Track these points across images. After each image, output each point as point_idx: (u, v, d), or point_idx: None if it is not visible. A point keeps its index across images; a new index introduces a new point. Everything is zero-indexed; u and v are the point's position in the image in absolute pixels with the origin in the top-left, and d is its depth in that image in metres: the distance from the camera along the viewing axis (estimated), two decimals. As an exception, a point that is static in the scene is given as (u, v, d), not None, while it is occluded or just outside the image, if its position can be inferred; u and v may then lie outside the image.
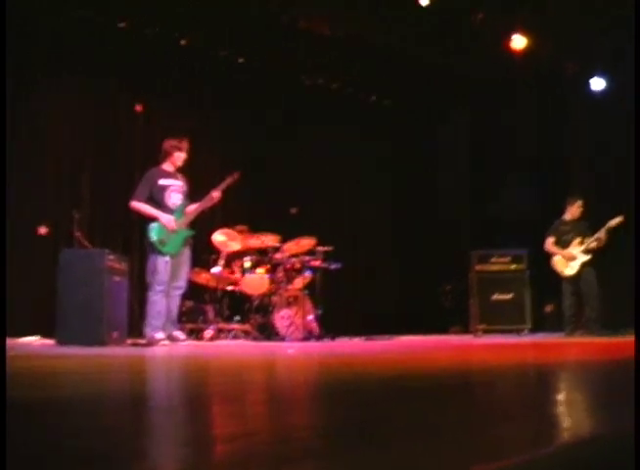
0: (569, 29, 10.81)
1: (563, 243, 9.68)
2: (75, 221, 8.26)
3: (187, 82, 10.77)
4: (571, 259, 9.54)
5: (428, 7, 9.69)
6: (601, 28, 10.69)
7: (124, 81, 10.23)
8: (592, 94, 11.99)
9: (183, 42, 10.52)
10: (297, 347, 7.48)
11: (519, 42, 10.69)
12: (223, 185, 7.80)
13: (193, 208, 7.74)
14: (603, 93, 11.96)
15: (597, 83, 11.84)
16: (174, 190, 7.64)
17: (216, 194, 7.73)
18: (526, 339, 9.47)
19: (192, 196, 7.88)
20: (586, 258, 9.48)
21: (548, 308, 11.66)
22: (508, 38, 10.65)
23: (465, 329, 11.70)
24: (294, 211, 9.49)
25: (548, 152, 12.60)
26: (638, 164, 9.85)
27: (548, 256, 9.82)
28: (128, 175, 10.02)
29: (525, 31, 10.63)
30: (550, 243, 9.75)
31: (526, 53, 10.92)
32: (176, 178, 7.74)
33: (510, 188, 12.78)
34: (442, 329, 11.98)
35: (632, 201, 10.56)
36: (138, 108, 10.10)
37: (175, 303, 7.60)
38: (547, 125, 12.54)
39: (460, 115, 13.42)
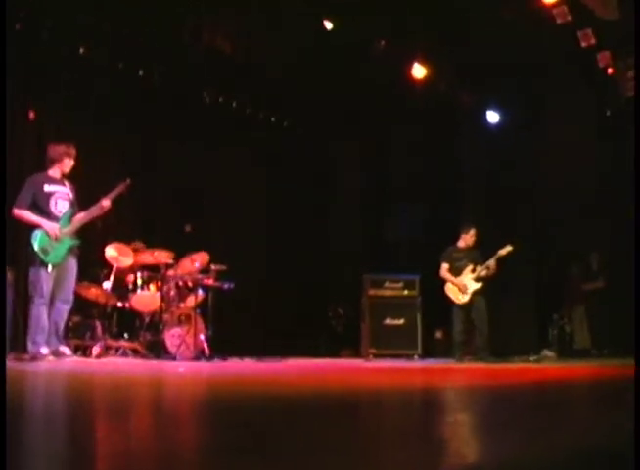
0: (467, 61, 11.07)
1: (456, 270, 9.86)
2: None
3: (83, 93, 10.45)
4: (463, 288, 9.72)
5: (332, 31, 9.79)
6: (498, 63, 11.00)
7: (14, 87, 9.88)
8: (486, 126, 12.32)
9: (81, 51, 10.22)
10: (187, 366, 7.32)
11: (418, 71, 10.89)
12: (113, 193, 7.56)
13: (80, 216, 7.48)
14: (497, 125, 12.31)
15: (492, 116, 12.18)
16: (60, 197, 7.38)
17: (106, 202, 7.48)
18: (416, 364, 9.55)
19: (80, 204, 7.63)
20: (477, 286, 9.68)
21: (438, 334, 11.83)
22: (409, 67, 10.84)
23: (356, 353, 11.74)
24: (188, 228, 9.32)
25: (441, 179, 12.85)
26: (638, 174, 10.06)
27: (440, 282, 9.97)
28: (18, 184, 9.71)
29: (424, 61, 10.85)
30: (444, 269, 9.91)
31: (425, 82, 11.16)
32: (63, 185, 7.48)
33: (402, 215, 12.98)
34: (334, 352, 11.99)
35: (529, 229, 10.91)
36: (31, 115, 9.83)
37: (61, 316, 7.31)
38: (440, 154, 12.81)
39: (354, 140, 13.52)
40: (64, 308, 7.33)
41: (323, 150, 13.58)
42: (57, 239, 7.16)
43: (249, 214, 12.38)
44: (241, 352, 9.56)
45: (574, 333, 11.83)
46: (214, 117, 11.78)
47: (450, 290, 9.82)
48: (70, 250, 7.35)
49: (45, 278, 7.04)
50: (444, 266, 9.92)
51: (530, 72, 11.06)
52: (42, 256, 7.05)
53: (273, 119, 12.72)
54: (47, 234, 7.12)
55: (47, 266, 7.07)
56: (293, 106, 12.47)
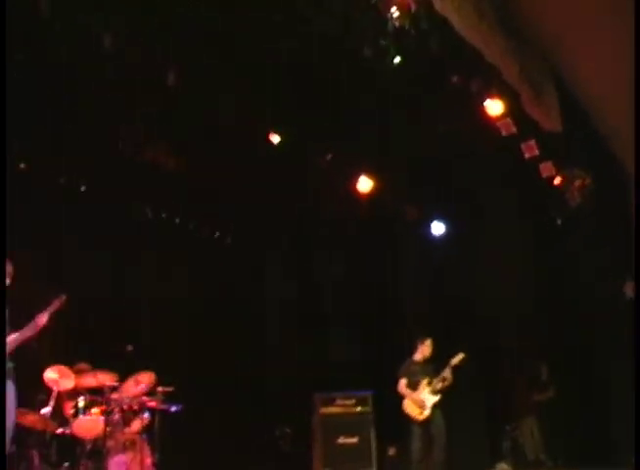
0: (411, 174, 11.18)
1: (412, 384, 9.67)
2: None
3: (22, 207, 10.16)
4: (421, 404, 9.51)
5: (278, 144, 9.80)
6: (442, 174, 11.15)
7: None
8: (431, 237, 12.37)
9: (22, 166, 9.99)
10: None
11: (364, 185, 10.92)
12: (49, 309, 7.11)
13: (14, 336, 7.02)
14: (442, 237, 12.37)
15: (437, 227, 12.23)
16: None
17: (41, 319, 6.99)
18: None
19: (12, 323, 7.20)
20: (435, 399, 9.50)
21: (391, 452, 11.49)
22: (354, 180, 10.88)
23: (307, 473, 11.32)
24: (130, 348, 8.97)
25: (385, 292, 12.79)
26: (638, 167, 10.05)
27: (390, 397, 9.75)
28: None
29: (370, 174, 10.91)
30: (402, 385, 9.71)
31: (371, 196, 11.19)
32: None
33: (346, 333, 12.84)
34: (285, 473, 11.54)
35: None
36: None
37: (-1, 447, 6.77)
38: (384, 265, 12.78)
39: (289, 258, 13.45)
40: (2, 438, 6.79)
41: (259, 264, 13.47)
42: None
43: (189, 332, 12.04)
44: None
45: (525, 444, 11.64)
46: (151, 230, 11.59)
47: (409, 406, 9.58)
48: (8, 373, 6.86)
49: None
50: (402, 382, 9.72)
51: (473, 182, 11.22)
52: None
53: (216, 235, 12.57)
54: None
55: None
56: (232, 219, 12.37)
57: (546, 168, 9.97)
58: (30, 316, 7.12)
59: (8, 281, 7.05)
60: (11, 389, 6.87)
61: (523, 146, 9.82)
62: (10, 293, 7.21)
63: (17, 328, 7.01)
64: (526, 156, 9.92)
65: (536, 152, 9.86)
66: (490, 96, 9.18)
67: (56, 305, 7.15)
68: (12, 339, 6.91)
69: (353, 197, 11.04)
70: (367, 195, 11.09)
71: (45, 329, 7.16)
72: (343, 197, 11.14)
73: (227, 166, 10.55)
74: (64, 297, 7.21)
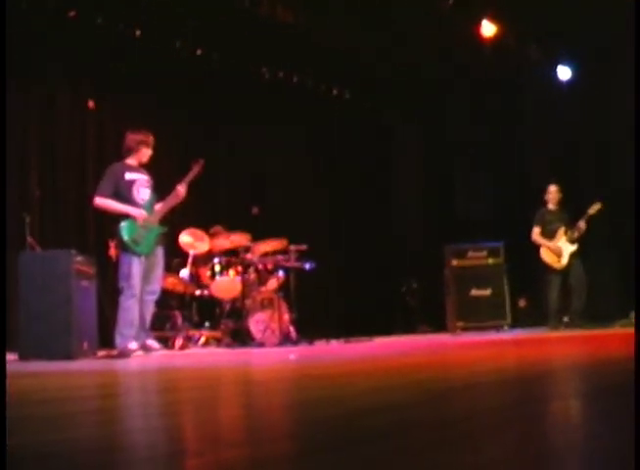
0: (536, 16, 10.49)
1: (548, 232, 9.40)
2: (27, 225, 7.58)
3: (141, 76, 10.09)
4: (557, 251, 9.25)
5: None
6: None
7: (74, 74, 9.57)
8: (556, 82, 11.74)
9: (137, 33, 9.82)
10: (294, 352, 6.91)
11: (488, 29, 10.35)
12: (188, 177, 7.19)
13: (159, 205, 7.13)
14: (567, 82, 11.72)
15: (563, 72, 11.58)
16: (142, 185, 7.03)
17: (182, 188, 7.12)
18: (509, 335, 9.09)
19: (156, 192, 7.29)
20: (573, 248, 9.23)
21: (521, 303, 11.36)
22: (478, 25, 10.31)
23: (433, 328, 11.34)
24: (255, 210, 8.92)
25: (507, 142, 12.35)
26: (638, 158, 9.57)
27: (533, 246, 9.50)
28: (80, 174, 9.42)
29: (494, 19, 10.31)
30: (537, 233, 9.44)
31: (493, 40, 10.61)
32: (142, 173, 7.14)
33: (470, 185, 12.54)
34: (410, 329, 11.61)
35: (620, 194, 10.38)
36: (90, 104, 9.53)
37: (149, 309, 6.97)
38: (503, 117, 12.29)
39: (412, 112, 13.10)
40: (151, 300, 6.99)
41: (383, 121, 13.19)
42: (146, 225, 6.81)
43: (313, 191, 12.03)
44: (323, 334, 9.21)
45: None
46: (275, 93, 11.37)
47: (546, 255, 9.34)
48: (159, 238, 7.01)
49: (137, 269, 6.70)
50: (536, 230, 9.43)
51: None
52: (133, 246, 6.70)
53: (335, 93, 12.26)
54: (135, 223, 6.77)
55: (139, 257, 6.71)
56: (352, 77, 11.99)
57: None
58: (171, 186, 7.20)
59: (149, 152, 7.12)
60: (161, 254, 7.04)
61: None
62: (153, 163, 7.31)
63: (161, 198, 7.11)
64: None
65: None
66: None
67: (194, 171, 7.17)
68: (158, 208, 7.01)
69: (477, 42, 10.42)
70: (491, 40, 10.46)
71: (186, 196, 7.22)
72: (467, 42, 10.54)
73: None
74: (201, 162, 7.19)
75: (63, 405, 2.82)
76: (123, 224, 6.74)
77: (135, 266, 6.69)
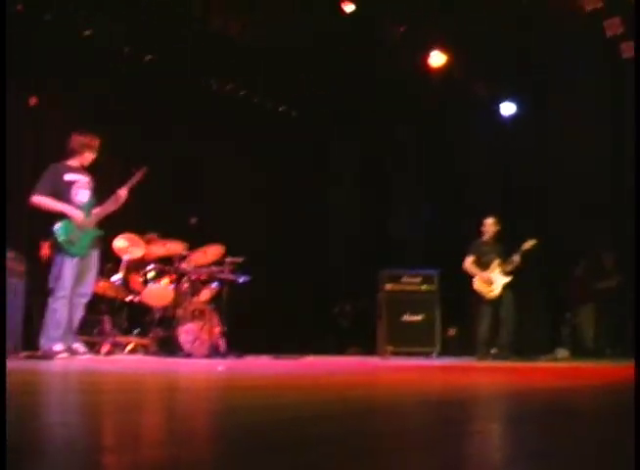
0: (483, 51, 10.71)
1: (482, 264, 9.53)
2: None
3: (87, 76, 9.96)
4: (489, 282, 9.39)
5: (351, 14, 9.39)
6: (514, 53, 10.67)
7: (15, 71, 9.40)
8: (500, 117, 11.98)
9: (87, 33, 9.72)
10: (203, 363, 6.88)
11: (437, 59, 10.51)
12: (130, 183, 7.16)
13: (98, 209, 7.05)
14: (512, 117, 11.97)
15: (507, 108, 11.82)
16: (81, 186, 6.95)
17: (123, 193, 7.09)
18: (437, 362, 9.16)
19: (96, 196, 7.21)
20: (507, 279, 9.36)
21: (451, 332, 11.48)
22: (426, 54, 10.46)
23: (363, 350, 11.38)
24: (193, 220, 8.87)
25: (447, 173, 12.53)
26: (639, 164, 9.76)
27: (466, 276, 9.63)
28: (16, 172, 9.24)
29: (443, 49, 10.48)
30: (469, 262, 9.56)
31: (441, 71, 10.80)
32: (83, 174, 7.05)
33: (409, 210, 12.69)
34: (340, 350, 11.63)
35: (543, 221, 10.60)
36: (32, 101, 9.38)
37: (78, 311, 6.87)
38: (454, 147, 12.48)
39: (353, 133, 13.20)
40: (81, 303, 6.89)
41: (324, 140, 13.25)
42: (82, 227, 6.71)
43: (251, 205, 11.99)
44: (253, 348, 9.16)
45: (584, 331, 11.54)
46: (220, 104, 11.35)
47: (479, 284, 9.46)
48: (94, 241, 6.93)
49: (69, 271, 6.62)
50: (469, 259, 9.55)
51: (547, 62, 10.74)
52: (67, 247, 6.61)
53: (280, 109, 12.30)
54: (71, 224, 6.68)
55: (72, 259, 6.62)
56: (301, 95, 12.04)
57: (628, 48, 9.44)
58: (111, 190, 7.14)
59: (92, 156, 7.06)
60: (96, 257, 6.96)
61: (605, 23, 9.31)
62: (94, 166, 7.24)
63: (100, 202, 7.04)
64: (608, 34, 9.42)
65: (620, 30, 9.34)
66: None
67: (137, 177, 7.12)
68: (96, 211, 6.94)
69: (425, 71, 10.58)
70: (439, 70, 10.63)
71: (125, 201, 7.17)
72: (416, 71, 10.69)
73: (295, 37, 10.18)
74: (144, 169, 7.15)
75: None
76: (59, 224, 6.65)
77: (67, 268, 6.60)
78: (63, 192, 6.81)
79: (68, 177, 6.89)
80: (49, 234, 6.76)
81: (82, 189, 6.95)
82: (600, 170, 11.11)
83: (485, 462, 1.61)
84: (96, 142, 7.11)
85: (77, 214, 6.74)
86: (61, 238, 6.59)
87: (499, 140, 12.04)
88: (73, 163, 7.04)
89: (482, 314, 9.46)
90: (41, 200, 6.75)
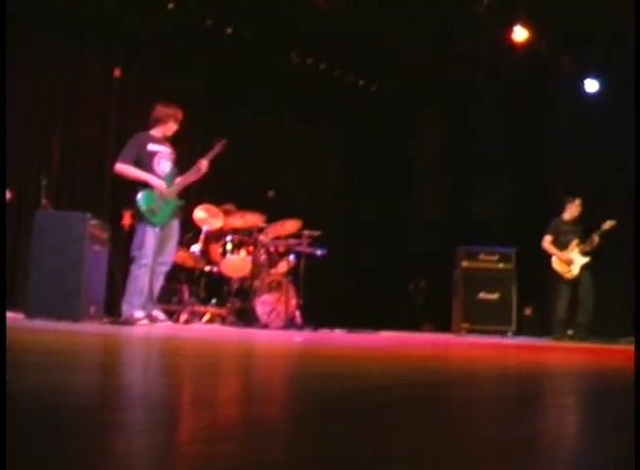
0: (568, 27, 10.45)
1: (560, 243, 9.36)
2: (43, 188, 7.62)
3: (169, 50, 10.13)
4: (568, 262, 9.23)
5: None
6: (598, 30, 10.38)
7: (101, 43, 9.63)
8: (583, 94, 11.69)
9: (170, 6, 9.84)
10: (299, 335, 6.93)
11: (520, 34, 10.29)
12: (211, 154, 7.21)
13: (179, 179, 7.16)
14: (595, 95, 11.68)
15: (591, 85, 11.53)
16: (163, 157, 7.05)
17: (204, 164, 7.15)
18: (513, 341, 9.07)
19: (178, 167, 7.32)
20: (585, 260, 9.20)
21: (527, 311, 11.33)
22: (509, 30, 10.25)
23: (437, 327, 11.33)
24: (271, 193, 8.90)
25: (531, 150, 12.30)
26: (638, 165, 9.55)
27: (544, 255, 9.48)
28: (101, 143, 9.47)
29: (526, 24, 10.25)
30: (547, 241, 9.39)
31: (525, 47, 10.57)
32: (165, 145, 7.16)
33: (487, 188, 12.50)
34: (414, 326, 11.61)
35: (627, 201, 10.33)
36: (116, 73, 9.53)
37: (159, 280, 6.99)
38: (529, 123, 12.24)
39: (434, 110, 13.07)
40: (162, 272, 7.02)
41: (406, 115, 13.14)
42: (164, 196, 6.84)
43: (331, 180, 12.03)
44: (329, 322, 9.21)
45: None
46: (298, 78, 11.38)
47: (558, 264, 9.31)
48: (175, 211, 7.04)
49: (151, 239, 6.72)
50: (547, 238, 9.38)
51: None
52: (149, 216, 6.73)
53: (361, 83, 12.24)
54: (153, 193, 6.80)
55: (154, 228, 6.74)
56: (379, 69, 11.95)
57: None
58: (192, 161, 7.24)
59: (175, 127, 7.17)
60: (177, 226, 7.07)
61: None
62: (176, 137, 7.35)
63: (181, 173, 7.15)
64: None
65: None
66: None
67: (217, 149, 7.19)
68: (178, 181, 7.04)
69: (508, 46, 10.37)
70: (522, 45, 10.42)
71: (206, 173, 7.25)
72: (498, 46, 10.50)
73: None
74: (224, 141, 7.21)
75: (65, 357, 2.85)
76: (141, 194, 6.76)
77: (149, 237, 6.72)
78: (145, 161, 6.92)
79: (151, 147, 7.00)
80: (132, 203, 6.89)
81: (164, 159, 7.05)
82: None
83: (559, 435, 1.60)
84: (179, 113, 7.20)
85: (160, 184, 6.85)
86: (143, 207, 6.72)
87: (582, 117, 11.77)
88: (156, 133, 7.15)
89: (560, 294, 9.30)
90: (125, 168, 6.88)
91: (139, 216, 6.76)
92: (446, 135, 13.11)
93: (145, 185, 6.82)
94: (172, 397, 1.94)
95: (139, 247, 6.70)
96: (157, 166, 6.95)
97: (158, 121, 7.12)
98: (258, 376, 2.66)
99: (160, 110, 7.14)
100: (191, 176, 7.19)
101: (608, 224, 9.25)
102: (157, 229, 6.75)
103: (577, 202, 9.59)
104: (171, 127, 7.17)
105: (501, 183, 12.26)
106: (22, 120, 8.80)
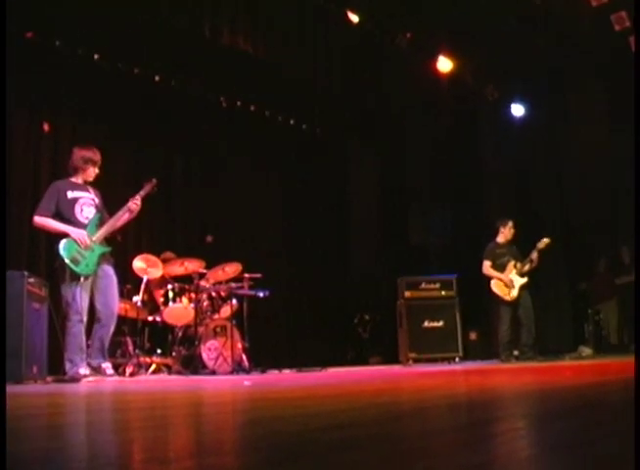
0: (491, 55, 10.74)
1: (498, 266, 9.54)
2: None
3: (98, 99, 10.08)
4: (509, 284, 9.39)
5: (356, 25, 9.43)
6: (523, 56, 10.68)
7: (29, 97, 9.53)
8: (511, 119, 11.97)
9: (95, 57, 9.82)
10: (227, 379, 6.87)
11: (444, 65, 10.53)
12: (141, 194, 7.12)
13: (110, 221, 7.01)
14: (521, 119, 11.97)
15: (517, 109, 11.82)
16: (85, 203, 6.92)
17: (135, 204, 7.01)
18: (464, 366, 9.13)
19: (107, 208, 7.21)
20: (523, 281, 9.38)
21: (472, 336, 11.45)
22: (433, 61, 10.48)
23: (385, 359, 11.38)
24: (209, 238, 8.88)
25: (463, 177, 12.52)
26: (638, 168, 9.76)
27: (483, 280, 9.63)
28: (33, 195, 9.33)
29: (449, 55, 10.50)
30: (487, 266, 9.57)
31: (449, 77, 10.82)
32: (87, 191, 7.02)
33: (424, 217, 12.67)
34: (362, 360, 11.63)
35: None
36: (45, 127, 9.47)
37: (107, 331, 6.81)
38: (463, 150, 12.47)
39: (369, 143, 13.25)
40: (110, 323, 6.86)
41: (340, 151, 13.28)
42: (86, 247, 6.68)
43: (268, 220, 12.06)
44: (277, 363, 9.16)
45: (607, 328, 11.50)
46: (231, 121, 11.43)
47: (497, 287, 9.46)
48: (103, 257, 6.87)
49: (78, 292, 6.54)
50: (487, 264, 9.58)
51: (558, 64, 10.73)
52: (73, 266, 6.55)
53: (291, 122, 12.34)
54: (75, 242, 6.64)
55: (79, 278, 6.58)
56: (310, 107, 12.08)
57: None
58: (123, 202, 7.14)
59: (96, 170, 7.05)
60: (110, 272, 6.92)
61: (612, 18, 9.30)
62: (100, 180, 7.23)
63: (111, 214, 7.03)
64: (616, 28, 9.40)
65: (627, 24, 9.33)
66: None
67: (147, 189, 7.11)
68: (108, 224, 6.92)
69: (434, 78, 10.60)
70: (446, 75, 10.66)
71: (139, 212, 7.15)
72: (424, 78, 10.72)
73: (302, 52, 10.21)
74: (154, 181, 7.15)
75: (10, 421, 2.77)
76: (62, 244, 6.60)
77: (76, 289, 6.52)
78: (66, 210, 6.78)
79: (70, 195, 6.87)
80: (55, 255, 6.74)
81: (86, 205, 6.92)
82: (615, 169, 11.09)
83: (512, 461, 1.61)
84: (98, 156, 7.07)
85: (79, 234, 6.68)
86: (65, 258, 6.55)
87: (510, 142, 12.03)
88: (76, 179, 7.03)
89: (502, 316, 9.46)
90: (43, 220, 6.73)
91: (62, 268, 6.59)
92: (381, 168, 13.27)
93: (66, 235, 6.68)
94: (124, 455, 1.90)
95: (68, 302, 6.53)
96: (79, 214, 6.82)
97: (77, 168, 7.01)
98: (210, 425, 2.63)
99: (78, 154, 7.01)
100: (120, 219, 7.03)
101: (544, 242, 9.46)
102: (83, 280, 6.58)
103: (510, 224, 9.81)
104: (91, 172, 7.05)
105: (437, 211, 12.45)
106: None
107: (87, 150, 7.10)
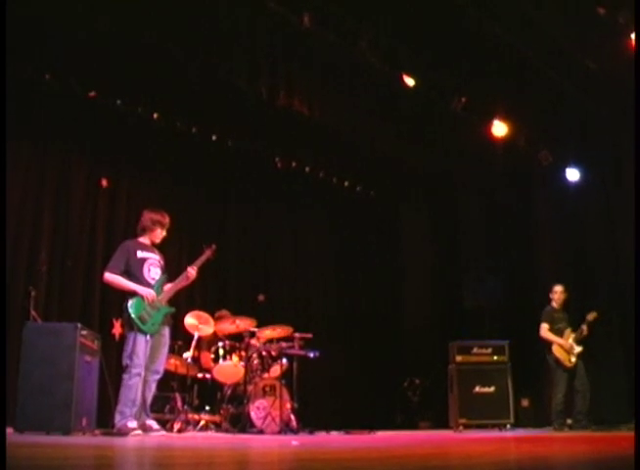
0: (546, 119, 10.74)
1: (556, 331, 9.42)
2: (32, 298, 7.58)
3: (156, 158, 10.31)
4: (570, 350, 9.26)
5: (411, 91, 9.53)
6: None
7: (88, 152, 9.77)
8: (564, 184, 11.88)
9: (155, 116, 10.06)
10: (297, 439, 6.80)
11: (499, 129, 10.54)
12: (200, 261, 7.23)
13: (169, 286, 7.14)
14: (575, 184, 11.87)
15: (572, 174, 11.73)
16: (152, 264, 7.04)
17: (192, 271, 7.13)
18: (515, 434, 8.92)
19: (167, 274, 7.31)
20: (580, 349, 9.24)
21: (524, 403, 11.22)
22: (488, 125, 10.51)
23: (434, 424, 11.19)
24: (261, 297, 8.90)
25: (513, 242, 12.44)
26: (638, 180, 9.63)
27: (536, 345, 9.49)
28: (88, 252, 9.49)
29: (504, 119, 10.52)
30: (545, 329, 9.45)
31: (502, 141, 10.82)
32: (153, 252, 7.18)
33: (480, 280, 12.56)
34: (411, 424, 11.47)
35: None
36: (103, 182, 9.65)
37: (151, 389, 6.86)
38: (513, 215, 12.41)
39: (422, 206, 13.28)
40: (155, 380, 6.91)
41: (394, 214, 13.33)
42: (154, 305, 6.80)
43: (322, 281, 12.10)
44: (326, 424, 9.07)
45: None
46: (286, 182, 11.58)
47: (559, 351, 9.31)
48: (166, 318, 6.97)
49: (142, 348, 6.63)
50: (545, 326, 9.44)
51: (613, 128, 10.67)
52: (139, 324, 6.66)
53: (346, 184, 12.45)
54: (143, 302, 6.75)
55: (144, 336, 6.68)
56: (365, 169, 12.18)
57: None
58: (181, 267, 7.24)
59: (163, 233, 7.18)
60: (167, 334, 7.01)
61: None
62: (164, 244, 7.35)
63: (170, 279, 7.12)
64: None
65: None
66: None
67: (206, 254, 7.22)
68: (167, 288, 7.02)
69: (488, 141, 10.61)
70: (502, 139, 10.66)
71: (195, 279, 7.22)
72: (478, 142, 10.73)
73: (357, 114, 10.31)
74: (213, 247, 7.26)
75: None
76: (131, 302, 6.72)
77: (140, 345, 6.63)
78: (135, 269, 6.91)
79: (140, 255, 7.00)
80: (121, 311, 6.85)
81: (154, 266, 7.04)
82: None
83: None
84: (166, 219, 7.22)
85: (148, 293, 6.81)
86: (133, 315, 6.66)
87: (565, 207, 11.93)
88: (144, 240, 7.17)
89: (559, 383, 9.26)
90: (113, 277, 6.85)
91: (129, 325, 6.69)
92: (434, 231, 13.27)
93: (134, 293, 6.80)
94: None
95: (130, 356, 6.60)
96: (147, 274, 6.94)
97: (145, 229, 7.15)
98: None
99: (148, 216, 7.17)
100: (180, 283, 7.16)
101: (592, 315, 9.34)
102: (147, 337, 6.69)
103: (559, 288, 9.73)
104: (159, 234, 7.19)
105: (490, 275, 12.34)
106: (9, 231, 8.79)
107: (156, 213, 7.25)
